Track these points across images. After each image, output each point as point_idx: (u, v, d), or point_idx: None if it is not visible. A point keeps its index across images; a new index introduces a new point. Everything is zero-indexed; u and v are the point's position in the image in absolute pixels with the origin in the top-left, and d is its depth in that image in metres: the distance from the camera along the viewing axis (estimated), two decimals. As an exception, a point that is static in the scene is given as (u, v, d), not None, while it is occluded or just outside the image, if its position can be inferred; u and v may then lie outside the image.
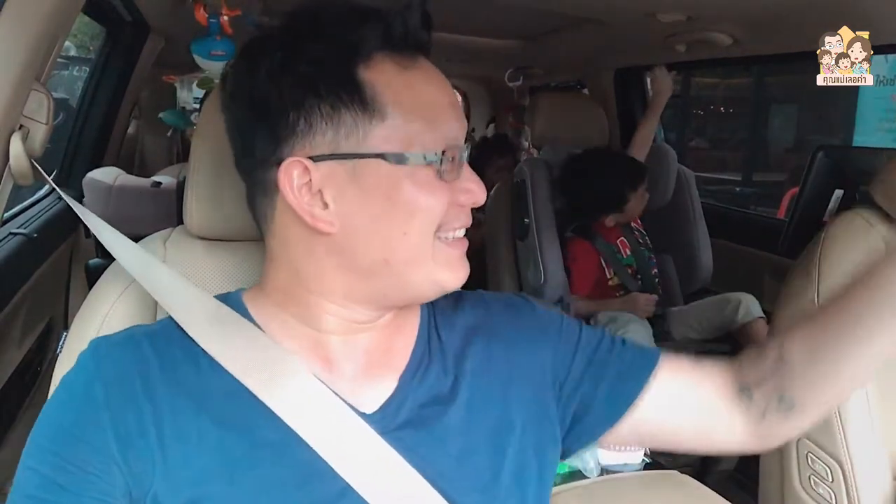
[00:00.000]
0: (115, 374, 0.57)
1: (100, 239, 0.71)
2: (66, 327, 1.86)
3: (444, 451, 0.60)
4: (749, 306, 1.91)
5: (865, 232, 0.97)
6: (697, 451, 0.72)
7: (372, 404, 0.60)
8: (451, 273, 0.60)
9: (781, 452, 1.03)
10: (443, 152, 0.57)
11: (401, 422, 0.60)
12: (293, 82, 0.56)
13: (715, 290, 2.17)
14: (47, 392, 0.70)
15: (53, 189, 1.93)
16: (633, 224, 2.15)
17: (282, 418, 0.56)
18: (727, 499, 0.94)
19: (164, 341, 0.60)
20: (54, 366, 0.72)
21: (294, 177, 0.56)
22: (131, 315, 0.73)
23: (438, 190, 0.57)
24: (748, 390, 0.65)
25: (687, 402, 0.67)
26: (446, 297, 0.66)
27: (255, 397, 0.57)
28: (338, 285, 0.60)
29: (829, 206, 1.15)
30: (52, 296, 1.91)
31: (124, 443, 0.54)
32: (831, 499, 0.95)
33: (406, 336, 0.66)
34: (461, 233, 0.61)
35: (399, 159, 0.56)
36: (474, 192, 0.60)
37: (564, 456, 0.70)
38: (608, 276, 2.05)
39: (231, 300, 0.64)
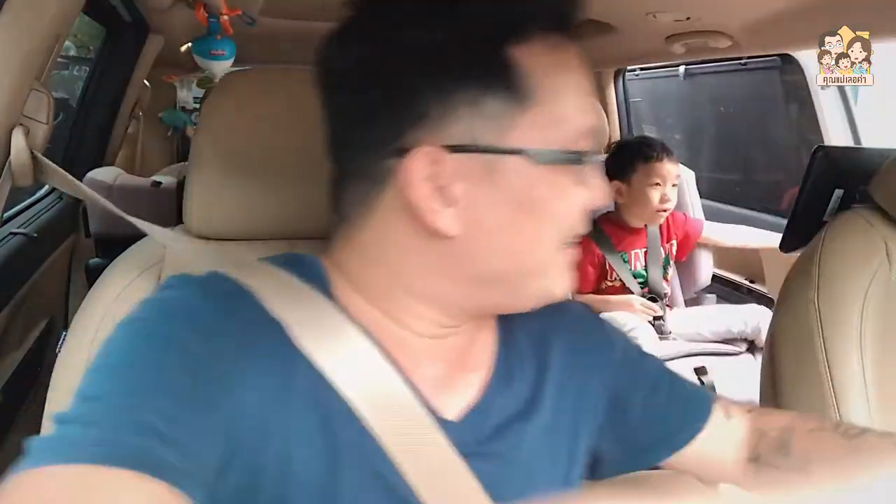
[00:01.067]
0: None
1: (134, 224, 0.69)
2: (66, 327, 1.86)
3: (520, 468, 0.55)
4: (759, 324, 1.85)
5: (865, 232, 0.97)
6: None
7: (455, 411, 0.54)
8: (564, 282, 0.54)
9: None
10: (588, 152, 0.50)
11: (488, 433, 0.54)
12: (432, 58, 0.47)
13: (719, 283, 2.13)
14: (47, 392, 0.70)
15: (54, 188, 1.93)
16: (665, 248, 2.05)
17: (357, 410, 0.49)
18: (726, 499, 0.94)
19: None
20: (54, 366, 0.72)
21: (420, 168, 0.48)
22: (131, 315, 0.73)
23: (578, 193, 0.51)
24: (760, 462, 0.64)
25: (719, 453, 0.66)
26: None
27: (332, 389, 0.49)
28: (442, 292, 0.52)
29: (829, 206, 1.15)
30: (52, 296, 1.91)
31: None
32: (831, 499, 0.95)
33: (486, 335, 0.59)
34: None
35: (544, 157, 0.48)
36: (603, 194, 0.53)
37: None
38: (606, 280, 2.01)
39: (315, 281, 0.53)
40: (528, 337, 0.61)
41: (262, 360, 0.48)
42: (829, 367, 0.94)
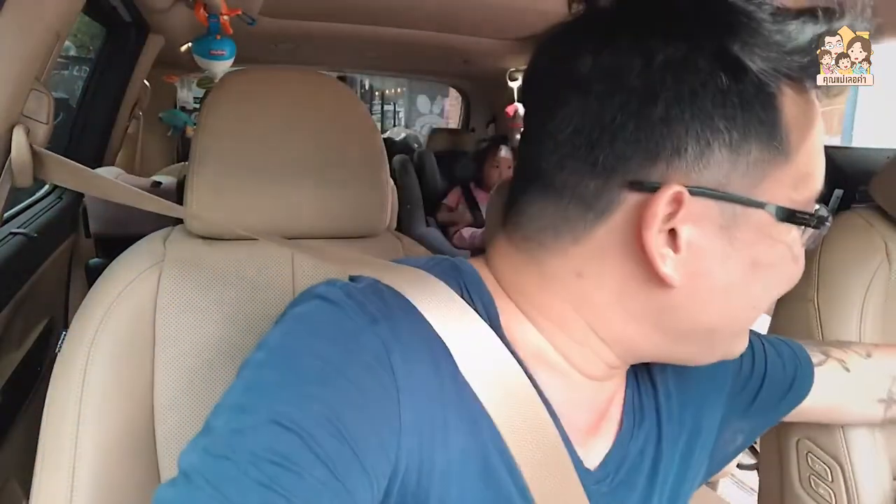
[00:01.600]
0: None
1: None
2: (66, 327, 1.86)
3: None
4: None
5: (865, 232, 0.97)
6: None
7: (595, 460, 0.52)
8: (746, 340, 0.52)
9: (781, 452, 1.02)
10: (825, 217, 0.46)
11: (619, 481, 0.52)
12: (702, 87, 0.41)
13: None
14: (46, 392, 0.70)
15: (54, 188, 1.93)
16: None
17: (513, 457, 0.46)
18: (727, 499, 0.94)
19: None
20: (54, 366, 0.72)
21: (663, 207, 0.42)
22: (131, 314, 0.73)
23: (802, 257, 0.47)
24: (891, 402, 0.74)
25: (836, 399, 0.73)
26: None
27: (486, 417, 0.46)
28: (635, 338, 0.48)
29: (829, 206, 1.15)
30: (52, 296, 1.91)
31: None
32: (831, 499, 0.95)
33: (616, 381, 0.55)
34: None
35: (790, 217, 0.44)
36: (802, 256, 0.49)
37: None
38: None
39: (479, 300, 0.49)
40: (644, 378, 0.57)
41: (425, 388, 0.44)
42: (828, 367, 0.94)
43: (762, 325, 1.90)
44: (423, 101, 9.06)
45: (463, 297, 0.48)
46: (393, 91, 10.34)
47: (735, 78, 0.41)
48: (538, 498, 0.45)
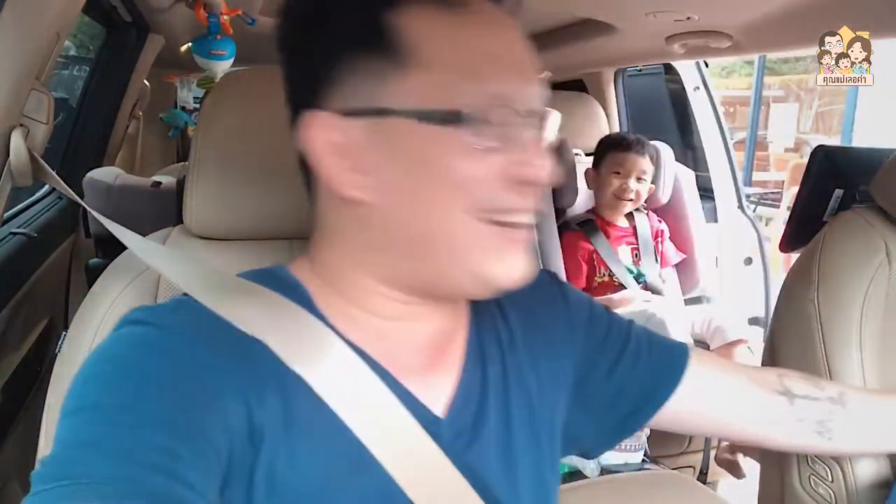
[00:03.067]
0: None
1: (113, 232, 0.69)
2: (66, 327, 1.86)
3: (496, 454, 0.56)
4: (725, 331, 1.85)
5: (865, 232, 0.97)
6: (740, 441, 0.74)
7: (440, 403, 0.55)
8: (503, 266, 0.51)
9: (781, 453, 1.03)
10: (475, 115, 0.48)
11: (467, 434, 0.55)
12: (317, 26, 0.50)
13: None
14: (46, 392, 0.70)
15: (54, 188, 1.93)
16: (658, 247, 2.09)
17: (344, 420, 0.50)
18: (727, 499, 0.94)
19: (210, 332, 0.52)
20: (54, 366, 0.72)
21: (318, 135, 0.50)
22: (131, 315, 0.73)
23: (481, 159, 0.48)
24: (790, 395, 0.67)
25: (720, 391, 0.67)
26: None
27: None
28: (382, 264, 0.53)
29: (829, 206, 1.15)
30: (52, 296, 1.91)
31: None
32: (831, 499, 0.95)
33: (458, 320, 0.59)
34: (524, 218, 0.51)
35: (429, 117, 0.47)
36: (534, 165, 0.49)
37: (588, 455, 0.70)
38: (596, 276, 2.02)
39: (292, 292, 0.54)
40: (492, 318, 0.61)
41: (242, 381, 0.48)
42: (829, 367, 0.94)
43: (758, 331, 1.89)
44: (423, 101, 9.07)
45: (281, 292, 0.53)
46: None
47: (341, 10, 0.49)
48: (373, 447, 0.49)
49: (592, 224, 2.04)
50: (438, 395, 0.55)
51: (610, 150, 2.03)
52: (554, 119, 0.53)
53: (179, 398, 0.45)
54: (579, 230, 2.03)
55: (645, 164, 2.01)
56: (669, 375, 0.64)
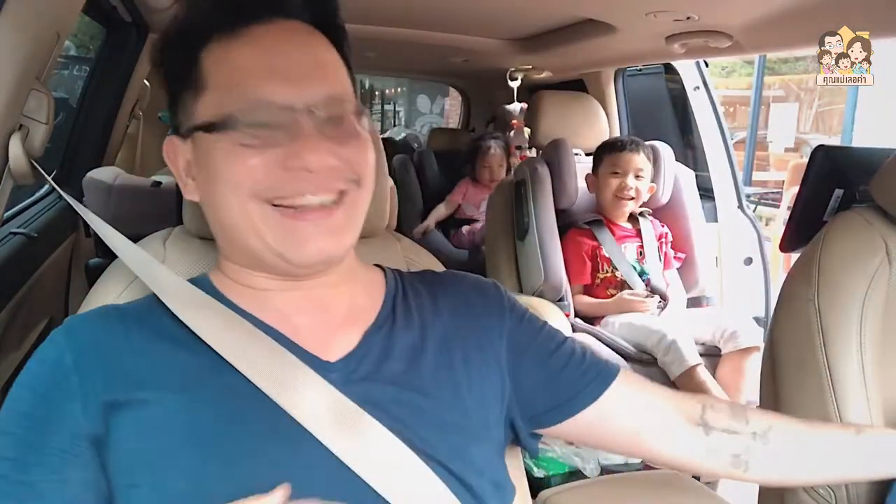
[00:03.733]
0: (84, 343, 0.60)
1: (103, 237, 0.71)
2: (66, 327, 1.85)
3: (408, 406, 0.62)
4: (738, 337, 1.84)
5: (865, 232, 0.97)
6: (657, 463, 0.76)
7: (335, 355, 0.63)
8: (292, 245, 0.60)
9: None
10: (247, 114, 0.57)
11: (364, 373, 0.62)
12: (168, 63, 0.64)
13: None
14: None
15: (54, 189, 1.93)
16: (662, 243, 2.10)
17: (245, 373, 0.59)
18: (727, 499, 0.94)
19: (135, 319, 0.63)
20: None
21: (171, 150, 0.65)
22: (131, 315, 0.73)
23: (245, 155, 0.58)
24: (708, 427, 0.70)
25: (640, 413, 0.70)
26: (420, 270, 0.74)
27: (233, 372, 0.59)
28: (224, 249, 0.66)
29: (829, 206, 1.15)
30: (52, 296, 1.91)
31: (90, 398, 0.57)
32: (831, 499, 0.95)
33: (373, 297, 0.69)
34: (308, 200, 0.59)
35: (208, 128, 0.59)
36: (299, 156, 0.57)
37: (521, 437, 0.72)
38: (599, 272, 2.03)
39: (201, 282, 0.67)
40: (420, 300, 0.70)
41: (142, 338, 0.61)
42: (829, 367, 0.94)
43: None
44: (423, 101, 9.06)
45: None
46: (393, 91, 10.33)
47: (171, 54, 0.63)
48: (259, 380, 0.58)
49: (600, 222, 2.06)
50: (337, 348, 0.63)
51: (606, 152, 2.07)
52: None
53: (38, 397, 0.59)
54: (586, 227, 2.05)
55: (640, 161, 2.04)
56: (594, 387, 0.69)
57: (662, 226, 2.14)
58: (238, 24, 0.60)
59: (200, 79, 0.60)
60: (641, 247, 2.06)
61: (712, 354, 1.88)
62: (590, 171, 2.12)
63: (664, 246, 2.10)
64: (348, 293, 0.67)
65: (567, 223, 2.10)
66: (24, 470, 0.54)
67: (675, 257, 2.12)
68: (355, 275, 0.69)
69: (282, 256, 0.60)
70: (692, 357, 1.77)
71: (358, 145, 0.61)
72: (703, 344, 1.92)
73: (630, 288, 1.98)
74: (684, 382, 1.74)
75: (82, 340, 0.60)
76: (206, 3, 0.62)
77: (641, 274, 2.02)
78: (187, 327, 0.61)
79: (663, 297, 2.01)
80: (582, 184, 2.13)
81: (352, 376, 0.62)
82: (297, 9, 0.62)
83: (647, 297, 1.95)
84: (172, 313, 0.62)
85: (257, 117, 0.57)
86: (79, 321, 0.63)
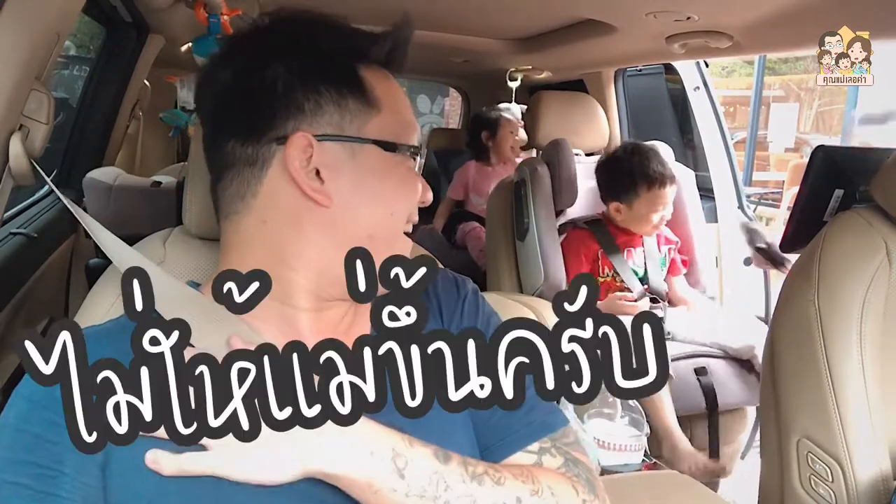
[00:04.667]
0: None
1: (97, 240, 0.71)
2: (66, 327, 1.85)
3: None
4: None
5: (865, 232, 0.97)
6: None
7: None
8: (405, 248, 0.67)
9: (781, 452, 1.03)
10: (416, 149, 0.66)
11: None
12: (306, 67, 0.63)
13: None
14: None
15: (53, 189, 1.93)
16: (661, 250, 2.07)
17: None
18: (727, 499, 0.94)
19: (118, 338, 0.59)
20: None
21: (299, 151, 0.61)
22: (131, 315, 0.73)
23: (415, 181, 0.67)
24: None
25: None
26: None
27: None
28: (317, 260, 0.63)
29: (829, 206, 1.15)
30: (52, 296, 1.91)
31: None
32: (831, 499, 0.95)
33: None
34: (409, 228, 0.68)
35: (391, 147, 0.64)
36: (427, 192, 0.68)
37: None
38: (598, 275, 2.00)
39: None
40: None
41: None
42: (829, 367, 0.94)
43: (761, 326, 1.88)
44: (423, 101, 9.06)
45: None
46: (393, 91, 10.32)
47: (328, 60, 0.64)
48: None
49: (601, 224, 2.03)
50: None
51: (644, 188, 1.94)
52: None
53: (37, 440, 0.56)
54: (587, 228, 2.02)
55: (675, 188, 1.98)
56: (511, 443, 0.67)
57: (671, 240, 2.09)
58: (393, 65, 0.68)
59: (372, 96, 0.64)
60: (643, 251, 2.04)
61: (711, 355, 1.87)
62: (619, 202, 1.99)
63: (671, 252, 2.08)
64: (354, 310, 0.68)
65: (567, 222, 2.08)
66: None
67: (682, 262, 2.11)
68: None
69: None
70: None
71: None
72: (702, 344, 1.92)
73: (630, 291, 1.97)
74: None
75: None
76: (380, 35, 0.67)
77: (642, 279, 2.01)
78: None
79: (662, 301, 1.99)
80: (581, 184, 2.12)
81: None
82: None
83: (637, 299, 1.94)
84: None
85: (413, 150, 0.66)
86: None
